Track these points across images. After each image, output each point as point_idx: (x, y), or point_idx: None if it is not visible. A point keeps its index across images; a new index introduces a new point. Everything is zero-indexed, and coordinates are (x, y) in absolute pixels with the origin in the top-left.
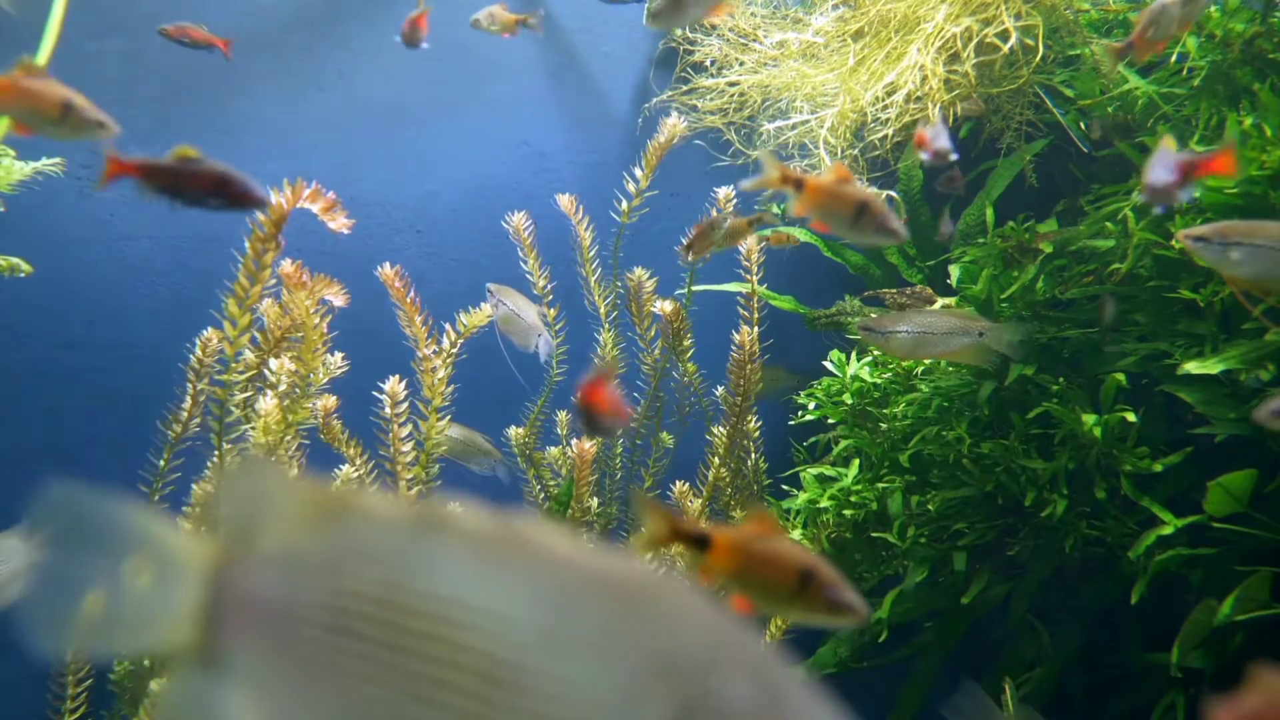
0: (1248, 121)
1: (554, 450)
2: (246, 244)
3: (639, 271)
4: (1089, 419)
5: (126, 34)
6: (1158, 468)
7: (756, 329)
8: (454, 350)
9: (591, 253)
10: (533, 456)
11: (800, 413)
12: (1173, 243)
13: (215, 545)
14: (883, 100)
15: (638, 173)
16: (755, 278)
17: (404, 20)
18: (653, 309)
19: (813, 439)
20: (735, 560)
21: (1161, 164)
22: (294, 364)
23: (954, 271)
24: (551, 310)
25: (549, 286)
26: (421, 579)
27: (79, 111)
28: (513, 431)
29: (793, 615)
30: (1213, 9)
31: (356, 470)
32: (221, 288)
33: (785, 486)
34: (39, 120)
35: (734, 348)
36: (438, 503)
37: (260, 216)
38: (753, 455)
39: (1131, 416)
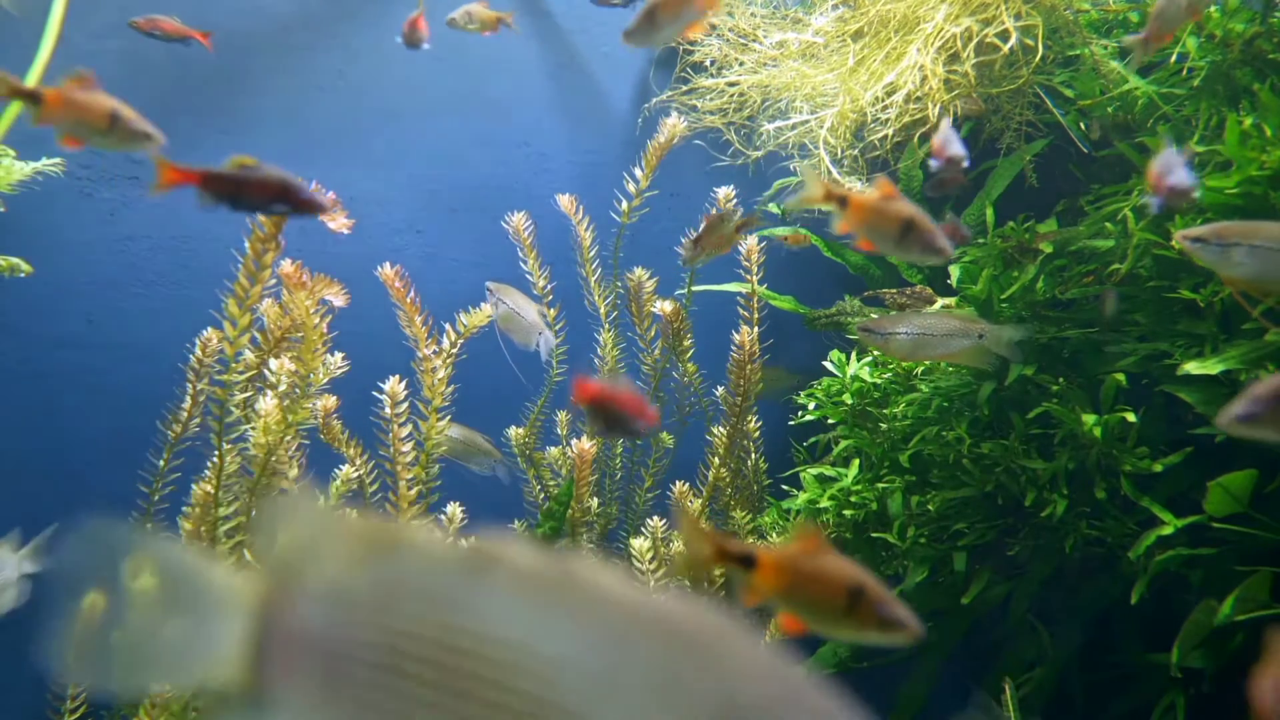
0: (1248, 121)
1: (554, 450)
2: (246, 244)
3: (639, 271)
4: (1089, 419)
5: (126, 34)
6: (1158, 468)
7: (756, 329)
8: (454, 350)
9: (591, 253)
10: (533, 456)
11: (800, 413)
12: (1172, 243)
13: (262, 581)
14: (882, 100)
15: (638, 173)
16: (755, 278)
17: (404, 21)
18: (653, 309)
19: (813, 439)
20: (782, 579)
21: (1176, 165)
22: (294, 364)
23: (954, 272)
24: (551, 310)
25: (549, 286)
26: (474, 620)
27: (126, 122)
28: (513, 431)
29: (843, 634)
30: (1213, 9)
31: (356, 470)
32: (221, 288)
33: (785, 486)
34: (87, 131)
35: (734, 348)
36: (488, 540)
37: (260, 216)
38: (753, 455)
39: (1131, 416)
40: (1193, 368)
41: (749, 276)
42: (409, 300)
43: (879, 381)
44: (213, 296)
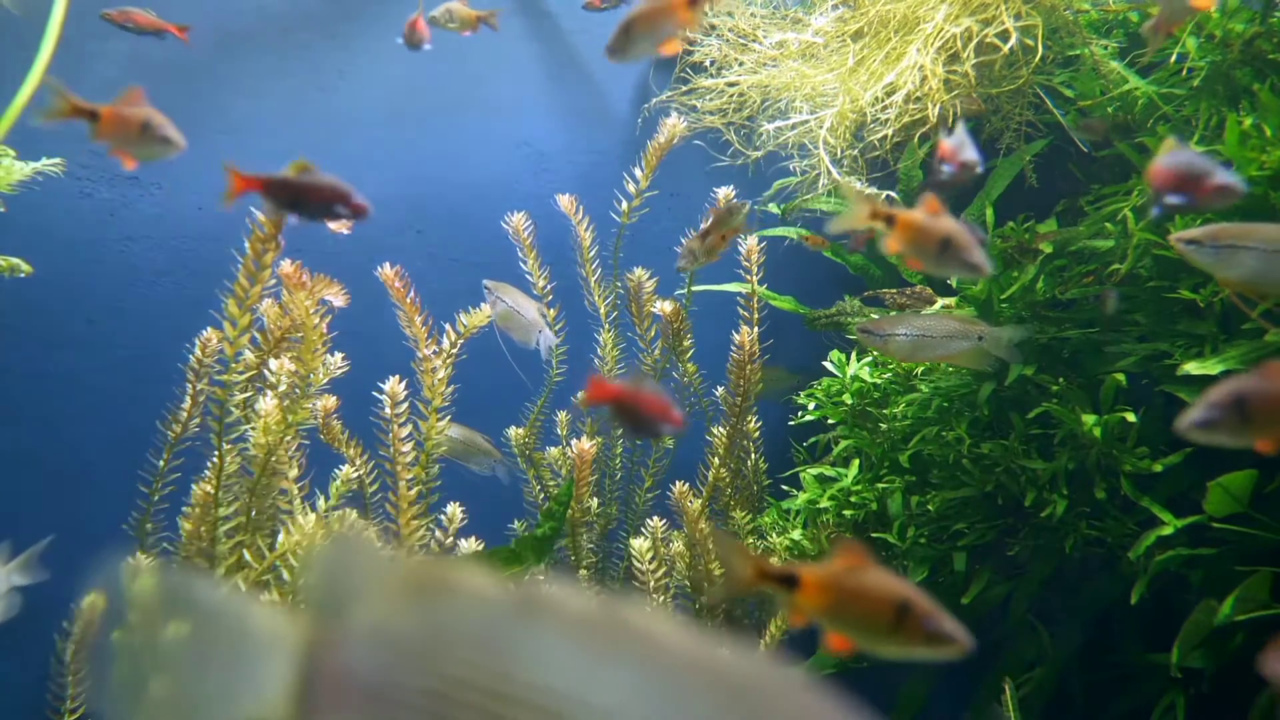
0: (1247, 122)
1: (554, 450)
2: (246, 244)
3: (639, 271)
4: (1089, 419)
5: (126, 34)
6: (1158, 468)
7: (756, 329)
8: (454, 350)
9: (591, 253)
10: (533, 457)
11: (800, 413)
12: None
13: (306, 622)
14: (882, 100)
15: (638, 173)
16: (755, 278)
17: (404, 21)
18: (653, 309)
19: (813, 439)
20: (826, 598)
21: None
22: (294, 364)
23: None
24: (552, 310)
25: (549, 286)
26: (524, 667)
27: (154, 129)
28: (513, 431)
29: (891, 651)
30: (1212, 9)
31: (356, 470)
32: (221, 288)
33: (785, 486)
34: (127, 142)
35: (734, 348)
36: (538, 584)
37: (260, 217)
38: (753, 455)
39: (1131, 417)
40: (1193, 368)
41: (749, 277)
42: (409, 300)
43: (879, 381)
44: (213, 296)
